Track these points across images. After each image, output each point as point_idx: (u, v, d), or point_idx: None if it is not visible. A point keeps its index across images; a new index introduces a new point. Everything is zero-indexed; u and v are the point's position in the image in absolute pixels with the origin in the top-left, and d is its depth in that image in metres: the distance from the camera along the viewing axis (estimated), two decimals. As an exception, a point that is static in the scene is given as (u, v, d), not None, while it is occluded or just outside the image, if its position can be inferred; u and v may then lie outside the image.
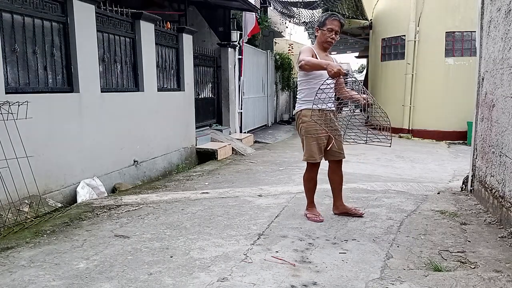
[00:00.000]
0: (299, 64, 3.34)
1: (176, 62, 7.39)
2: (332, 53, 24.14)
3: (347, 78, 3.32)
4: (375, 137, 3.15)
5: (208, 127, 9.37)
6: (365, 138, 3.14)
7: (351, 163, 7.29)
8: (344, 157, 3.75)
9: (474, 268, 2.69)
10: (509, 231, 3.23)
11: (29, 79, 4.24)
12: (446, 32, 10.94)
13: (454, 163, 7.67)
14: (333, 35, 3.45)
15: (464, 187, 4.83)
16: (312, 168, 3.70)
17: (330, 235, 3.34)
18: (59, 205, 4.25)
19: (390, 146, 3.17)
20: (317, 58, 3.41)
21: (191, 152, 7.66)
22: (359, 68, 48.85)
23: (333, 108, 3.51)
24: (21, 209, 3.77)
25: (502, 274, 2.58)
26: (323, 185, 5.37)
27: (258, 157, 8.03)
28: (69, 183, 4.62)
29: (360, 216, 3.70)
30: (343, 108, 3.72)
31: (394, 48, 12.26)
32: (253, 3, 10.52)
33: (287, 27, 19.32)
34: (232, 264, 2.76)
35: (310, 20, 16.76)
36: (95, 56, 5.04)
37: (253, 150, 8.94)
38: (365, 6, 13.64)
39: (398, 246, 3.09)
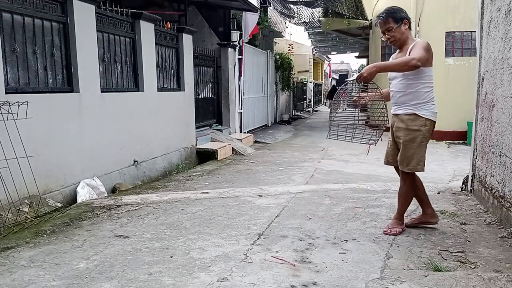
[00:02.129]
0: None
1: (176, 62, 7.39)
2: (332, 53, 23.85)
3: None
4: (364, 136, 3.11)
5: (208, 127, 9.37)
6: (357, 136, 3.14)
7: (351, 163, 7.29)
8: (402, 169, 3.25)
9: (474, 268, 2.69)
10: (509, 231, 3.23)
11: (29, 79, 4.23)
12: (446, 32, 10.93)
13: (454, 163, 7.67)
14: (386, 36, 3.23)
15: (464, 187, 4.83)
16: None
17: (330, 235, 3.34)
18: (59, 205, 4.25)
19: (375, 145, 3.18)
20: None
21: (191, 152, 7.66)
22: (359, 68, 48.86)
23: (397, 112, 3.25)
24: (21, 209, 3.77)
25: (502, 274, 2.58)
26: (323, 185, 5.38)
27: (258, 157, 8.03)
28: (69, 183, 4.62)
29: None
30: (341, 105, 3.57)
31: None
32: (253, 3, 10.51)
33: (287, 27, 19.33)
34: (232, 264, 2.76)
35: (310, 20, 16.75)
36: (95, 56, 5.04)
37: (253, 150, 8.94)
38: (365, 6, 13.62)
39: (398, 246, 3.09)
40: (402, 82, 3.18)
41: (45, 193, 4.24)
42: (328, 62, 33.20)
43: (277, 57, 15.42)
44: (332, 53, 28.75)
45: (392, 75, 3.27)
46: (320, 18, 16.16)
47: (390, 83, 3.32)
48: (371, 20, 14.04)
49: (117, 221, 3.73)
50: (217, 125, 9.80)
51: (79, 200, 4.55)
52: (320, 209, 4.07)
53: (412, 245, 3.11)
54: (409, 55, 3.10)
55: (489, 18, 4.13)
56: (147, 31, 6.18)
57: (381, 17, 3.18)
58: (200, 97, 8.97)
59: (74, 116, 4.71)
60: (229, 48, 9.85)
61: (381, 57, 12.75)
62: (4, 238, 3.27)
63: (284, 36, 19.07)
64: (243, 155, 8.23)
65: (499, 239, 3.20)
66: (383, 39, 3.27)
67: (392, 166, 3.49)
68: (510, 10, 3.49)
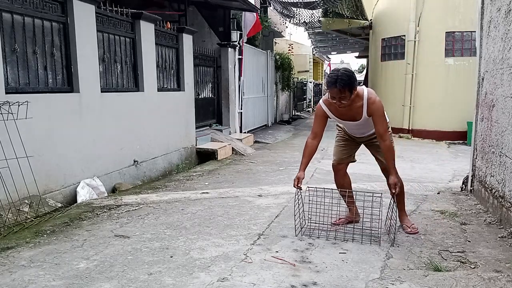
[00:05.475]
0: None
1: (176, 62, 7.39)
2: (332, 53, 23.76)
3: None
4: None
5: (208, 127, 9.37)
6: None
7: (351, 163, 7.28)
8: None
9: (474, 268, 2.70)
10: (509, 231, 3.23)
11: (29, 79, 4.23)
12: (446, 32, 10.93)
13: (454, 163, 7.67)
14: (338, 102, 3.11)
15: (464, 187, 4.83)
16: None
17: (330, 235, 3.34)
18: (59, 205, 4.25)
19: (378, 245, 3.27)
20: (328, 117, 3.36)
21: (191, 152, 7.66)
22: (359, 68, 48.84)
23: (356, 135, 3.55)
24: (21, 209, 3.77)
25: (502, 274, 2.58)
26: (323, 185, 5.37)
27: (258, 157, 8.03)
28: (69, 183, 4.62)
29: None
30: None
31: (394, 48, 12.26)
32: (253, 3, 10.52)
33: (287, 27, 19.35)
34: (232, 264, 2.76)
35: (310, 20, 16.77)
36: (95, 56, 5.04)
37: (253, 150, 8.94)
38: (365, 6, 13.61)
39: (398, 246, 3.09)
40: (360, 127, 3.39)
41: (45, 193, 4.25)
42: (328, 62, 33.20)
43: (277, 57, 15.42)
44: (332, 53, 28.76)
45: (348, 126, 3.47)
46: (320, 18, 16.16)
47: (342, 125, 3.55)
48: (371, 20, 14.04)
49: (117, 221, 3.73)
50: (217, 125, 9.81)
51: (79, 200, 4.55)
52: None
53: (412, 245, 3.11)
54: (367, 113, 3.20)
55: (489, 18, 4.13)
56: (147, 31, 6.18)
57: (338, 86, 3.03)
58: (200, 97, 8.97)
59: (74, 116, 4.71)
60: (229, 48, 9.85)
61: (381, 57, 12.76)
62: (4, 238, 3.27)
63: (284, 36, 19.09)
64: (243, 155, 8.23)
65: (499, 239, 3.20)
66: (334, 102, 3.14)
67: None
68: (510, 10, 3.50)
